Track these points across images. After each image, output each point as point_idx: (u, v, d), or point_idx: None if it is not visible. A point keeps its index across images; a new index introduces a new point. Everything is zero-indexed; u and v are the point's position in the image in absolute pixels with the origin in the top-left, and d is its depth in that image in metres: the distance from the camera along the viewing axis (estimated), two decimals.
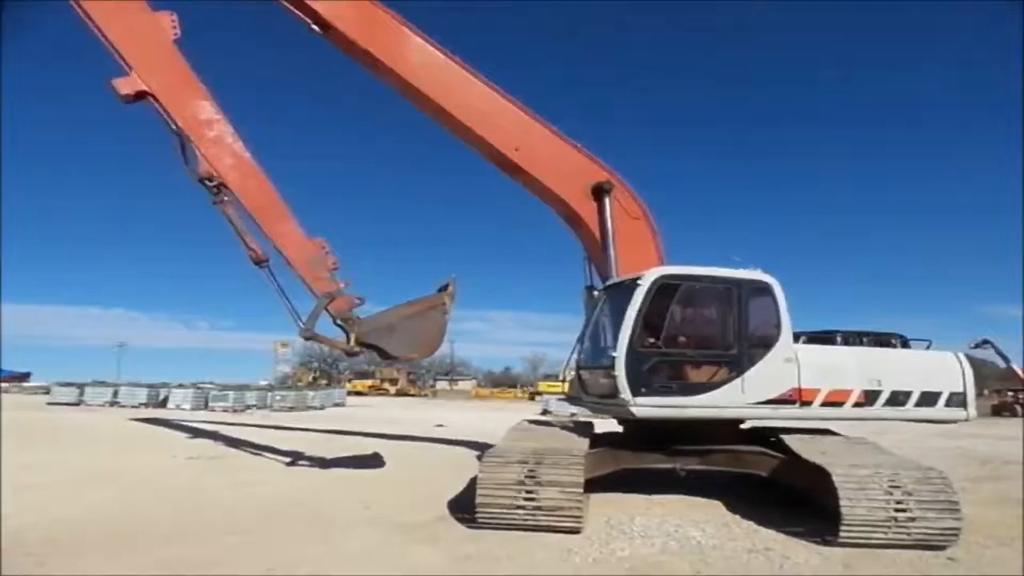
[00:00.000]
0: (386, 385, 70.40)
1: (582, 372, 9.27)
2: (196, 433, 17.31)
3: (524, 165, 10.03)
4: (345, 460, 11.86)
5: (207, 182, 8.83)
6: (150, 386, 33.66)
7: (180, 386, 33.92)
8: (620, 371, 7.62)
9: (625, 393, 7.59)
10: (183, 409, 29.62)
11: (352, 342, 9.20)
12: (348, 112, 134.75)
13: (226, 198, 8.95)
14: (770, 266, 8.25)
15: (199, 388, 32.92)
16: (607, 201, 10.02)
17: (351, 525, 6.80)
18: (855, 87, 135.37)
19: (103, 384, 35.20)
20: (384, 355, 9.60)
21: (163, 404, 31.21)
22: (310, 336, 9.28)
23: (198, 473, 10.37)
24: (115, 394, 32.41)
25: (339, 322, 9.27)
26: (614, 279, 9.38)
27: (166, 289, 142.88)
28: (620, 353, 7.67)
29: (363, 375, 74.15)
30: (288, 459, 12.00)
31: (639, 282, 7.94)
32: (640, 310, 7.77)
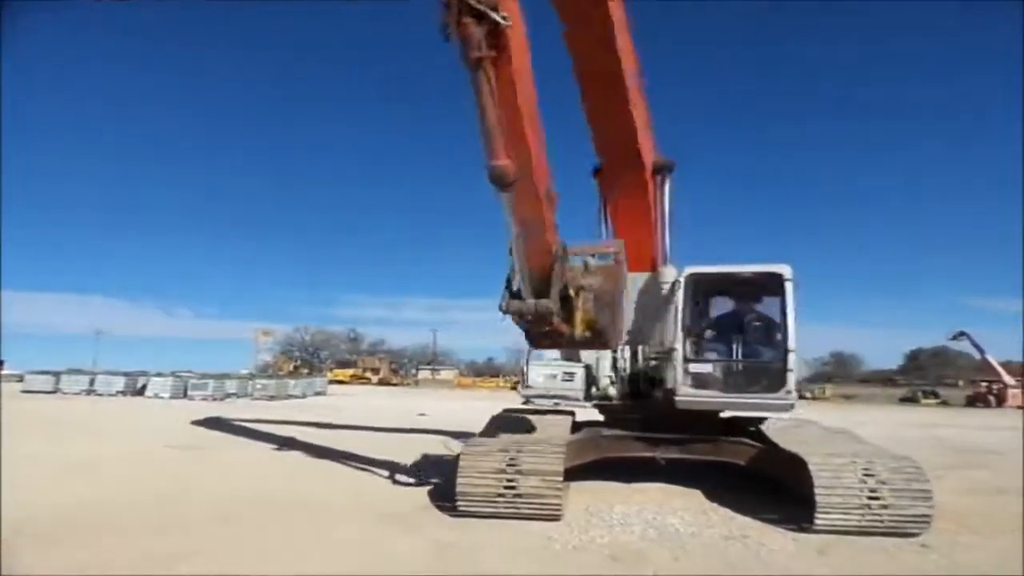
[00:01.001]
0: (368, 374, 70.26)
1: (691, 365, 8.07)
2: (176, 422, 17.16)
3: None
4: (327, 451, 11.82)
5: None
6: (128, 374, 33.25)
7: (159, 375, 33.56)
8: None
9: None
10: (162, 398, 29.37)
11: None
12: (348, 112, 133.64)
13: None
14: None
15: (178, 377, 32.61)
16: (668, 182, 9.13)
17: (334, 515, 6.78)
18: (852, 85, 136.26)
19: (79, 372, 34.72)
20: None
21: (141, 392, 30.92)
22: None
23: (180, 463, 10.28)
24: (92, 383, 32.02)
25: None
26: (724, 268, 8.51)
27: (147, 276, 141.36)
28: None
29: (344, 364, 74.00)
30: (271, 448, 11.93)
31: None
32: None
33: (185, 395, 30.01)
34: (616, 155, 8.73)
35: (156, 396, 29.71)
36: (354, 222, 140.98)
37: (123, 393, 31.00)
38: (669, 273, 8.62)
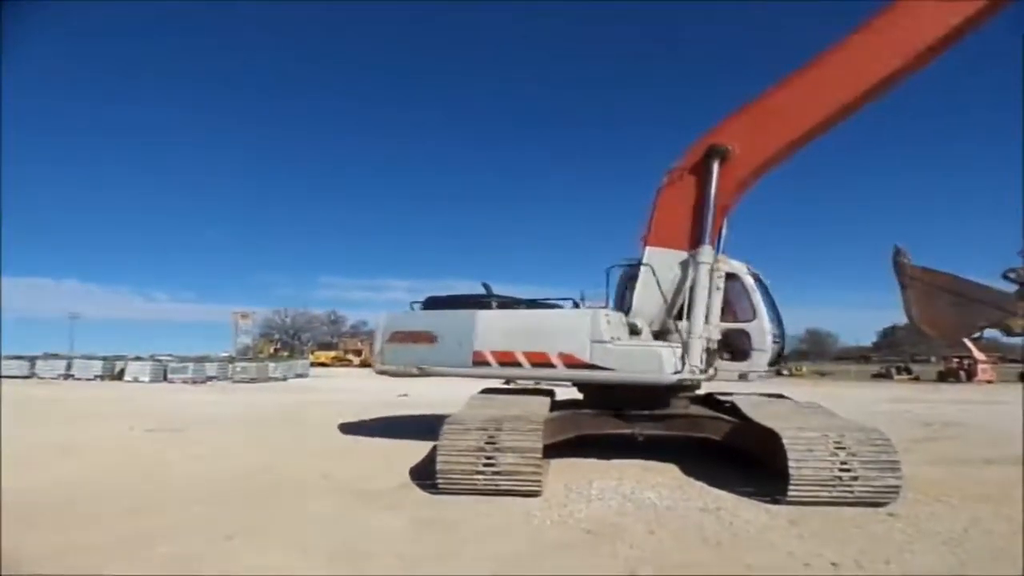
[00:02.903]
0: (350, 356, 70.02)
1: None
2: (155, 406, 17.07)
3: None
4: (308, 432, 11.85)
5: None
6: (105, 359, 32.91)
7: (137, 358, 33.27)
8: None
9: None
10: (141, 382, 29.17)
11: None
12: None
13: None
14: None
15: (157, 360, 32.37)
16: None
17: (314, 494, 6.82)
18: None
19: (56, 357, 34.31)
20: None
21: (120, 377, 30.66)
22: None
23: (158, 446, 10.24)
24: (68, 367, 31.69)
25: None
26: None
27: (123, 260, 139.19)
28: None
29: (326, 346, 73.61)
30: (250, 429, 11.92)
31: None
32: None
33: (165, 378, 29.84)
34: None
35: (135, 380, 29.48)
36: (333, 203, 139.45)
37: (101, 377, 30.75)
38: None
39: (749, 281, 8.71)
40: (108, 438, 10.98)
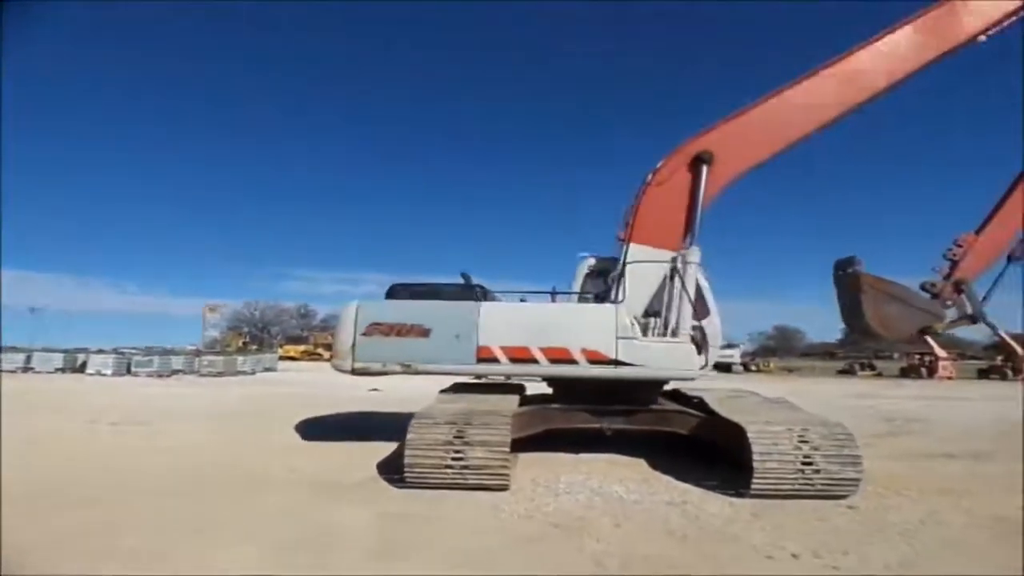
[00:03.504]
0: (320, 350, 69.29)
1: None
2: (118, 399, 16.71)
3: None
4: (275, 426, 11.70)
5: None
6: (67, 351, 32.15)
7: (100, 351, 32.55)
8: None
9: None
10: (104, 375, 28.54)
11: None
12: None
13: None
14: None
15: (121, 353, 31.69)
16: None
17: (280, 487, 6.75)
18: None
19: (14, 349, 33.40)
20: None
21: (82, 369, 29.98)
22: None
23: (121, 439, 10.04)
24: (28, 360, 30.89)
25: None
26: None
27: (91, 252, 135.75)
28: None
29: (296, 340, 72.78)
30: (215, 423, 11.74)
31: None
32: None
33: (129, 372, 29.25)
34: None
35: (98, 373, 28.84)
36: (307, 195, 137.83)
37: (62, 370, 30.04)
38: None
39: (703, 281, 8.85)
40: (69, 433, 10.72)
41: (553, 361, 8.13)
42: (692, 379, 8.43)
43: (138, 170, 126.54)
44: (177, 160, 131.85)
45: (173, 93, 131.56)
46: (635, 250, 8.77)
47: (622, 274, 8.72)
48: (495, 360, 8.20)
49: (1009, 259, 9.58)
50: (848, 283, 9.19)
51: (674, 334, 8.27)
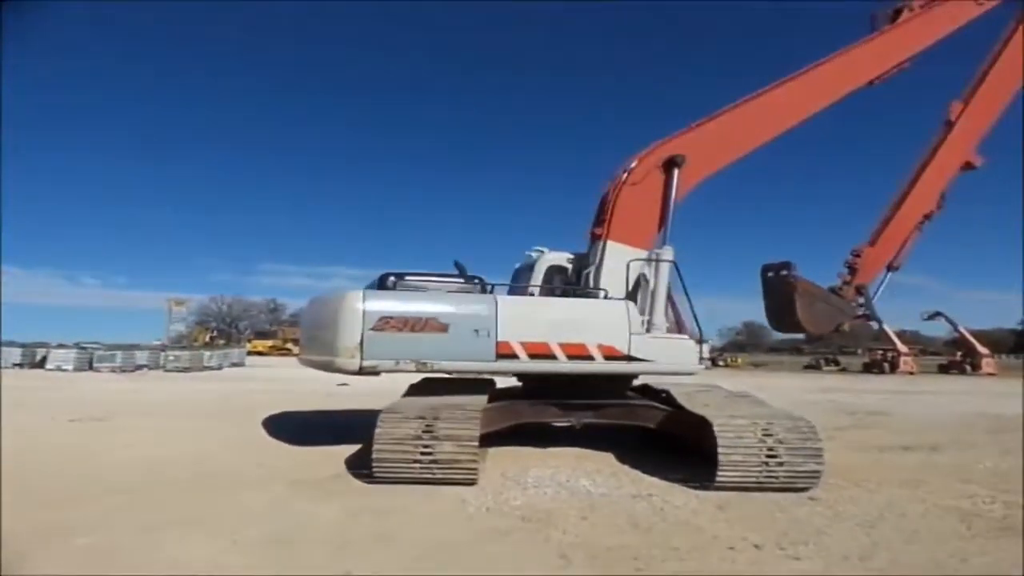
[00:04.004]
0: (289, 345, 68.36)
1: None
2: (79, 395, 16.33)
3: None
4: (242, 422, 11.53)
5: None
6: (25, 346, 31.28)
7: (61, 346, 31.72)
8: None
9: None
10: (65, 371, 27.84)
11: None
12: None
13: None
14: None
15: (83, 348, 30.93)
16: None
17: (246, 484, 6.67)
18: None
19: None
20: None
21: (41, 365, 29.19)
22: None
23: (82, 436, 9.82)
24: None
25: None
26: None
27: (47, 243, 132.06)
28: None
29: (264, 335, 71.60)
30: (179, 419, 11.53)
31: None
32: None
33: (91, 367, 28.54)
34: None
35: (58, 368, 28.11)
36: (276, 187, 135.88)
37: (20, 366, 29.19)
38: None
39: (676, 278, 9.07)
40: (27, 428, 10.44)
41: (571, 357, 7.92)
42: (694, 373, 8.63)
43: (98, 160, 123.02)
44: (140, 151, 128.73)
45: (139, 85, 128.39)
46: (612, 247, 8.86)
47: (599, 270, 8.80)
48: (515, 356, 7.81)
49: (888, 268, 11.41)
50: (782, 285, 10.23)
51: (648, 330, 8.38)
